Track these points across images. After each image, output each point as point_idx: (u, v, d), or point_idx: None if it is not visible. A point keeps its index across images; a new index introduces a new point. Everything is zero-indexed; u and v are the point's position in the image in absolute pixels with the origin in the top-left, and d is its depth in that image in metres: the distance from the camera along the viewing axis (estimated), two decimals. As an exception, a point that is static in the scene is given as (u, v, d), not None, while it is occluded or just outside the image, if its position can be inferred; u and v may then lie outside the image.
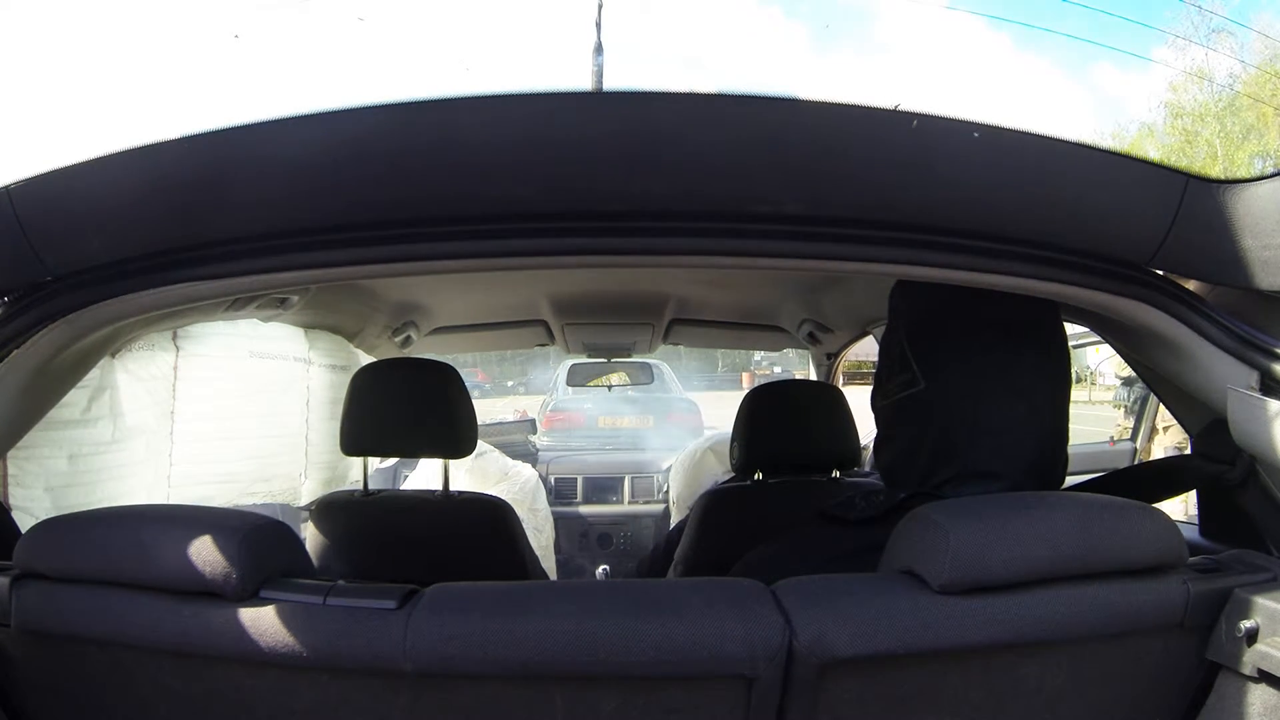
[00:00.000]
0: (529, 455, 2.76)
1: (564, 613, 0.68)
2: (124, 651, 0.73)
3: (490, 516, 1.24)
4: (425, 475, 2.18)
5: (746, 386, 4.68)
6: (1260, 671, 0.70)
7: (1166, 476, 0.94)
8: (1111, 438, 2.89)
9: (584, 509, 2.63)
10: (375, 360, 1.56)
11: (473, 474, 2.22)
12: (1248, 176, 0.72)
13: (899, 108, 0.67)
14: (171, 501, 1.49)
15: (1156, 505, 0.77)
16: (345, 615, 0.69)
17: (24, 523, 0.88)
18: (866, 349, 2.24)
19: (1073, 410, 0.88)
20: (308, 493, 1.86)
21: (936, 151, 0.70)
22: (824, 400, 1.36)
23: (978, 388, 0.83)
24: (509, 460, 2.42)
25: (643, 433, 3.74)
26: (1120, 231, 0.76)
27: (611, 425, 3.85)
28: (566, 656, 0.66)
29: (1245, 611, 0.72)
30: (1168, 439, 2.88)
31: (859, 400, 1.19)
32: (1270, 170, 0.72)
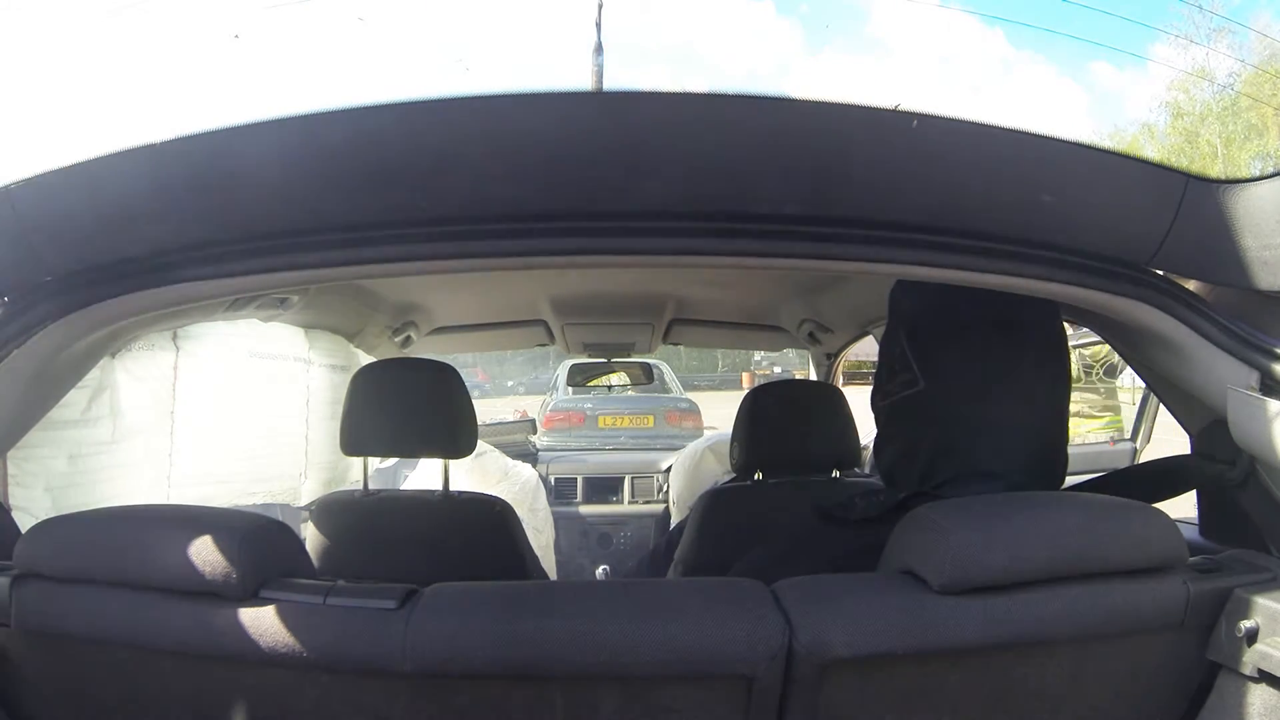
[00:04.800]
0: (529, 455, 2.75)
1: (564, 613, 0.68)
2: (124, 651, 0.73)
3: (490, 516, 1.24)
4: (425, 475, 2.18)
5: (746, 386, 4.69)
6: (1260, 671, 0.70)
7: (1166, 476, 0.94)
8: (1111, 438, 2.88)
9: (584, 509, 2.62)
10: (375, 360, 1.56)
11: (473, 474, 2.21)
12: (1248, 176, 0.72)
13: (899, 107, 0.67)
14: (171, 501, 1.49)
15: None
16: (345, 615, 0.69)
17: (24, 523, 0.88)
18: (866, 349, 2.24)
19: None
20: (308, 493, 1.85)
21: (936, 151, 0.70)
22: (824, 400, 1.36)
23: (977, 388, 0.83)
24: (509, 460, 2.42)
25: (643, 433, 3.74)
26: (1120, 231, 0.76)
27: (611, 425, 3.85)
28: (566, 656, 0.66)
29: (1245, 611, 0.72)
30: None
31: (859, 400, 1.19)
32: (1270, 170, 0.72)
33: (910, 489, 0.87)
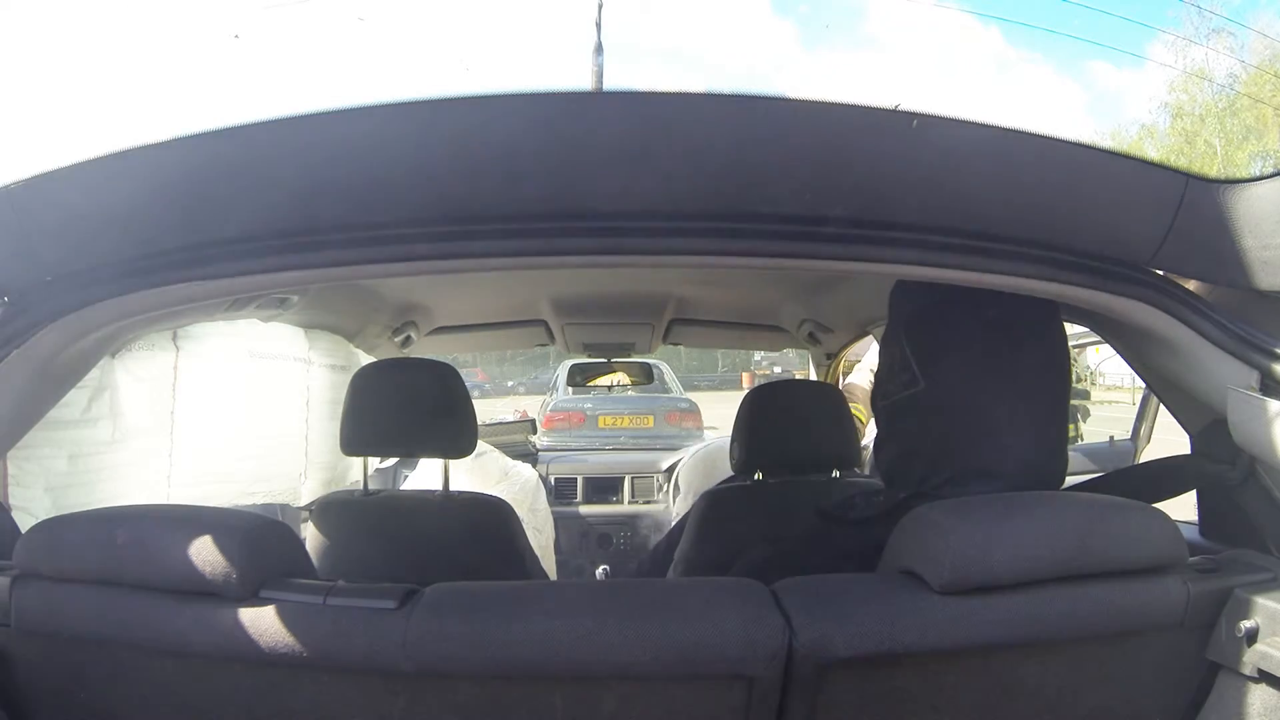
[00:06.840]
0: (529, 455, 2.75)
1: (564, 613, 0.68)
2: (124, 651, 0.73)
3: (490, 516, 1.24)
4: (425, 475, 2.17)
5: (746, 386, 4.69)
6: (1260, 671, 0.70)
7: (1166, 476, 0.94)
8: (1111, 437, 2.87)
9: (584, 509, 2.62)
10: (375, 360, 1.56)
11: (473, 474, 2.21)
12: (1247, 177, 0.72)
13: (899, 108, 0.67)
14: (171, 501, 1.49)
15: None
16: (345, 615, 0.69)
17: (24, 523, 0.88)
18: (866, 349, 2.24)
19: (1073, 410, 0.88)
20: (308, 493, 1.85)
21: (936, 151, 0.70)
22: (824, 400, 1.36)
23: (977, 388, 0.83)
24: (509, 460, 2.41)
25: (643, 433, 3.74)
26: (1120, 231, 0.76)
27: (611, 425, 3.85)
28: (566, 656, 0.66)
29: (1245, 611, 0.72)
30: None
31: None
32: (1270, 170, 0.72)
33: (910, 489, 0.87)
